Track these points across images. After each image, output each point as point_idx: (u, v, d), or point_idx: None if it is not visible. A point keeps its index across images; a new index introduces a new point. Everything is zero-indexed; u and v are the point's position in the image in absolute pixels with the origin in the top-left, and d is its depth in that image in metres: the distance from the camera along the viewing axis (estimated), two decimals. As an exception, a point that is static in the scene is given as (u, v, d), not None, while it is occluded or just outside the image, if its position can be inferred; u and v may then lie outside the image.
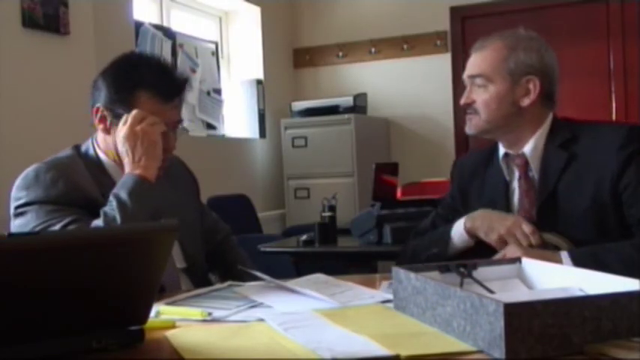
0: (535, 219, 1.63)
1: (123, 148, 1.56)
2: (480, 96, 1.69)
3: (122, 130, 1.56)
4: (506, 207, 1.70)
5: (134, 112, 1.56)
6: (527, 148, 1.68)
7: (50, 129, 2.65)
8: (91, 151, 1.65)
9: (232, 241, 1.94)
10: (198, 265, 1.71)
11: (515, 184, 1.72)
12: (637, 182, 1.55)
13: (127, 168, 1.55)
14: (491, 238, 1.61)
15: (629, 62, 4.46)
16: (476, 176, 1.81)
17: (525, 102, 1.67)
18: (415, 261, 1.64)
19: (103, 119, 1.61)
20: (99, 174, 1.61)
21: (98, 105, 1.61)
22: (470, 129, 1.74)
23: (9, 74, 2.56)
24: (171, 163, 1.73)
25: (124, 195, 1.49)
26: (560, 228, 1.60)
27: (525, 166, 1.69)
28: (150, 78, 1.59)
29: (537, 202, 1.65)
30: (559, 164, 1.63)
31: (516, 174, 1.71)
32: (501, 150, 1.75)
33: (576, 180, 1.61)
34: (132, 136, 1.54)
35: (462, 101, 1.73)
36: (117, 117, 1.59)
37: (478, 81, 1.69)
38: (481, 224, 1.65)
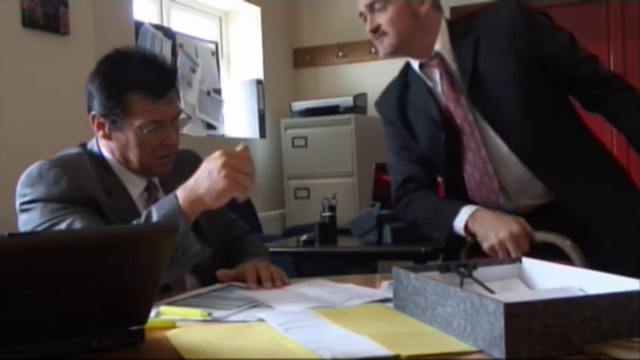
0: (466, 106, 1.80)
1: (204, 168, 1.44)
2: (383, 18, 1.82)
3: (219, 159, 1.42)
4: (438, 109, 1.84)
5: (245, 164, 1.43)
6: (438, 46, 1.83)
7: (50, 129, 2.65)
8: (96, 150, 1.65)
9: (248, 240, 1.87)
10: (205, 265, 1.69)
11: (439, 86, 1.85)
12: (563, 46, 1.82)
13: (182, 191, 1.45)
14: (485, 248, 1.68)
15: (629, 62, 4.46)
16: (402, 102, 1.96)
17: (423, 10, 1.83)
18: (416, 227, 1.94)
19: (101, 126, 1.60)
20: (103, 172, 1.61)
21: (94, 113, 1.59)
22: (383, 51, 1.85)
23: (9, 74, 2.56)
24: (187, 158, 1.72)
25: (154, 219, 1.44)
26: (492, 105, 1.77)
27: (442, 63, 1.83)
28: (138, 77, 1.55)
29: (464, 86, 1.79)
30: (470, 47, 1.80)
31: (436, 75, 1.85)
32: (415, 64, 1.90)
33: (492, 57, 1.78)
34: (218, 171, 1.41)
35: (368, 28, 1.84)
36: (113, 123, 1.57)
37: (377, 6, 1.82)
38: (479, 230, 1.70)
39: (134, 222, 1.49)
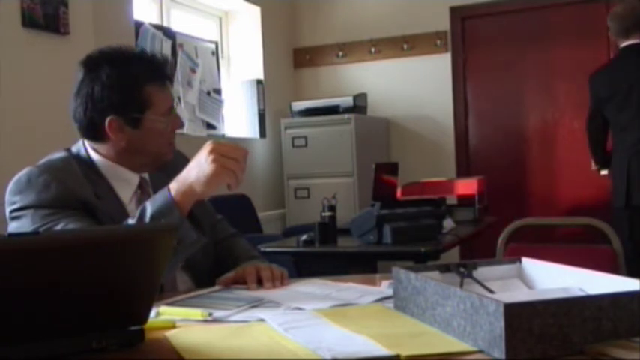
0: None
1: (194, 158, 1.45)
2: None
3: (207, 147, 1.43)
4: None
5: (233, 150, 1.43)
6: None
7: (50, 129, 2.65)
8: (83, 153, 1.63)
9: (238, 243, 1.83)
10: (196, 265, 1.69)
11: None
12: None
13: (174, 183, 1.46)
14: None
15: (629, 62, 4.46)
16: None
17: None
18: None
19: (120, 129, 1.57)
20: (92, 175, 1.59)
21: (111, 118, 1.56)
22: None
23: (9, 74, 2.56)
24: (175, 158, 1.73)
25: (148, 213, 1.45)
26: None
27: None
28: (147, 70, 1.59)
29: None
30: None
31: None
32: None
33: None
34: (205, 158, 1.42)
35: None
36: (134, 121, 1.57)
37: None
38: None
39: (129, 219, 1.49)
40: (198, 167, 1.43)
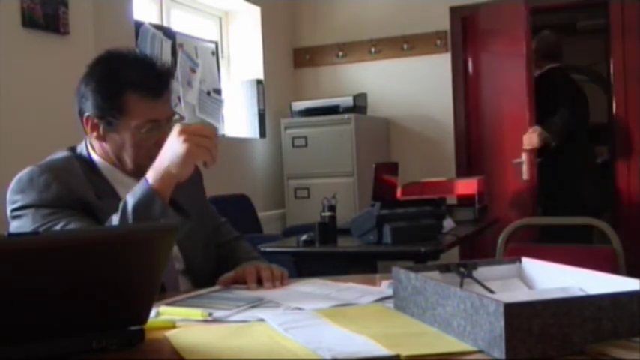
0: None
1: (166, 144, 1.46)
2: None
3: (176, 129, 1.45)
4: None
5: (202, 128, 1.46)
6: None
7: (50, 129, 2.65)
8: (85, 153, 1.64)
9: (240, 245, 1.83)
10: (197, 267, 1.69)
11: None
12: None
13: (151, 171, 1.47)
14: None
15: (629, 62, 4.46)
16: None
17: None
18: None
19: (95, 127, 1.59)
20: (93, 176, 1.60)
21: (88, 114, 1.59)
22: None
23: (9, 74, 2.56)
24: None
25: (129, 207, 1.46)
26: None
27: None
28: (134, 78, 1.56)
29: None
30: None
31: None
32: None
33: None
34: (177, 139, 1.43)
35: None
36: (109, 124, 1.57)
37: None
38: None
39: (113, 215, 1.48)
40: (172, 150, 1.44)
